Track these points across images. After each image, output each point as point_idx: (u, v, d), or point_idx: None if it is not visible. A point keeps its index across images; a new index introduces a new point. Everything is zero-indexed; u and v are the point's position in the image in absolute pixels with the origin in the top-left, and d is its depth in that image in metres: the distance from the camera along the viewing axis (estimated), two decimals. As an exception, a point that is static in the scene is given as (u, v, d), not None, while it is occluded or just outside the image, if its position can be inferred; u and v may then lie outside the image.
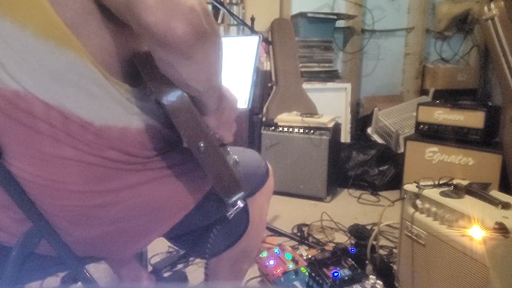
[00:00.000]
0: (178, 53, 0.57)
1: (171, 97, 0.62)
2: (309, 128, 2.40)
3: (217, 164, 0.67)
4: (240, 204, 0.71)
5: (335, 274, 1.28)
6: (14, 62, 0.59)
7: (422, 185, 1.25)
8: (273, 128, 2.49)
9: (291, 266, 1.37)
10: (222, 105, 0.74)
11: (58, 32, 0.58)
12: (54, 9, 0.57)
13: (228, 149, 0.77)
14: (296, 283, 1.29)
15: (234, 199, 0.70)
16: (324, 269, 1.31)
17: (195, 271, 1.57)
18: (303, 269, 1.34)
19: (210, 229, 0.82)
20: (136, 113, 0.65)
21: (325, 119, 2.44)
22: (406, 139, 2.30)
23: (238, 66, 1.42)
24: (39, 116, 0.60)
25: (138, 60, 0.64)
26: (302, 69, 3.16)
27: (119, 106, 0.63)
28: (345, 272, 1.30)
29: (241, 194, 0.70)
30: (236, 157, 0.74)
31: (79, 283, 0.84)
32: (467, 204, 1.12)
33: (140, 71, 0.64)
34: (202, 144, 0.64)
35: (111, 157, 0.64)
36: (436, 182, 1.26)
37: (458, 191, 1.19)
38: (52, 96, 0.59)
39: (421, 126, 2.24)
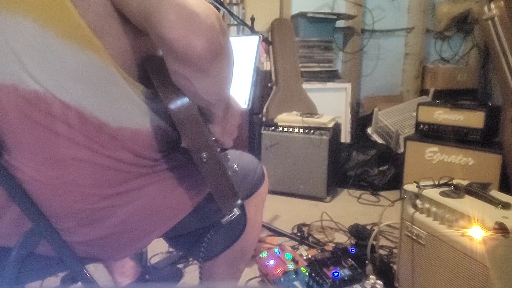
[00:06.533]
0: (195, 69, 0.58)
1: (179, 106, 0.63)
2: (309, 128, 2.40)
3: (217, 174, 0.67)
4: (236, 211, 0.71)
5: (335, 274, 1.28)
6: (35, 62, 0.59)
7: (422, 185, 1.25)
8: (273, 128, 2.49)
9: (291, 266, 1.37)
10: (228, 113, 0.75)
11: (81, 33, 0.58)
12: (77, 11, 0.58)
13: (229, 155, 0.78)
14: (296, 283, 1.29)
15: (230, 207, 0.71)
16: (324, 269, 1.31)
17: (195, 271, 1.57)
18: (303, 269, 1.34)
19: (206, 232, 0.82)
20: (149, 114, 0.66)
21: (325, 119, 2.44)
22: (406, 139, 2.30)
23: (238, 66, 1.42)
24: (57, 116, 0.60)
25: (150, 66, 0.65)
26: (302, 69, 3.16)
27: (135, 107, 0.64)
28: (345, 272, 1.30)
29: (237, 202, 0.71)
30: (235, 165, 0.75)
31: (79, 283, 0.84)
32: (467, 204, 1.12)
33: (151, 77, 0.64)
34: (205, 155, 0.65)
35: (123, 159, 0.64)
36: (436, 182, 1.26)
37: (458, 191, 1.19)
38: (71, 96, 0.60)
39: (421, 126, 2.24)
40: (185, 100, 0.63)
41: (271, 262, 1.39)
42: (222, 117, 0.74)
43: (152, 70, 0.64)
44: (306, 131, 2.40)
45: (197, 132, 0.64)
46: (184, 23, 0.54)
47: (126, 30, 0.61)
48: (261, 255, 1.44)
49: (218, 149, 0.76)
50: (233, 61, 0.65)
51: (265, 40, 2.16)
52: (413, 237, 1.25)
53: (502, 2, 1.86)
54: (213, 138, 0.73)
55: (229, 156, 0.77)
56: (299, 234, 1.89)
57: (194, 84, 0.61)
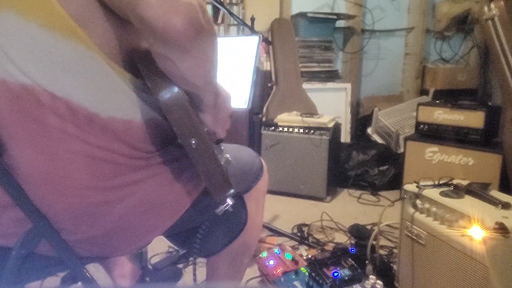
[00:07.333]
0: (177, 48, 0.58)
1: (167, 94, 0.63)
2: (309, 128, 2.40)
3: (208, 162, 0.67)
4: (229, 201, 0.71)
5: (335, 274, 1.28)
6: (22, 55, 0.59)
7: (422, 185, 1.25)
8: (273, 128, 2.49)
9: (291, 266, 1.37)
10: (218, 101, 0.75)
11: (64, 23, 0.58)
12: (59, 1, 0.58)
13: (222, 147, 0.78)
14: (296, 283, 1.30)
15: (223, 196, 0.70)
16: (324, 269, 1.31)
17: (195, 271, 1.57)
18: (303, 269, 1.35)
19: (200, 226, 0.82)
20: (140, 104, 0.66)
21: (325, 119, 2.44)
22: (406, 139, 2.30)
23: (238, 66, 1.42)
24: (47, 108, 0.60)
25: (137, 56, 0.65)
26: (302, 69, 3.15)
27: (124, 97, 0.64)
28: (345, 272, 1.30)
29: (230, 191, 0.70)
30: (228, 155, 0.74)
31: (79, 283, 0.84)
32: (467, 204, 1.12)
33: (138, 67, 0.64)
34: (194, 141, 0.65)
35: (117, 150, 0.64)
36: (436, 182, 1.26)
37: (458, 191, 1.19)
38: (60, 87, 0.60)
39: (421, 126, 2.24)
40: (175, 89, 0.63)
41: (271, 262, 1.39)
42: (212, 104, 0.73)
43: (140, 61, 0.64)
44: (306, 131, 2.40)
45: (186, 118, 0.64)
46: (163, 2, 0.55)
47: (109, 19, 0.61)
48: (261, 255, 1.44)
49: (213, 142, 0.76)
50: (217, 41, 0.65)
51: (265, 40, 2.16)
52: (413, 237, 1.25)
53: (502, 2, 1.86)
54: (205, 129, 0.72)
55: (222, 148, 0.77)
56: (299, 234, 1.89)
57: (178, 65, 0.61)
